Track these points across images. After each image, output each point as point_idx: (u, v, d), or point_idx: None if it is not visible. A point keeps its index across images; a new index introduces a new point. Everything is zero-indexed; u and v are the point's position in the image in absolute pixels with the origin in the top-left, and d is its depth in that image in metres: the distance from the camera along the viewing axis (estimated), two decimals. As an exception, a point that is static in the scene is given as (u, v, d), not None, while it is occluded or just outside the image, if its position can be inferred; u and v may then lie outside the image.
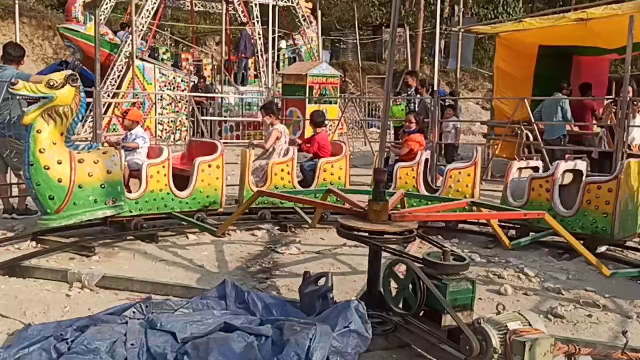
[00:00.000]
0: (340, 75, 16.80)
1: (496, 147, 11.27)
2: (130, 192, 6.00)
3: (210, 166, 6.41)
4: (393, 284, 3.58)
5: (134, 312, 3.60)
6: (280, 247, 5.94)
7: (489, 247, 6.16)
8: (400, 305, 3.54)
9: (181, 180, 6.36)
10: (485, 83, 27.27)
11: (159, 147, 6.79)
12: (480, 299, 4.46)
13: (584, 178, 6.02)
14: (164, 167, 6.10)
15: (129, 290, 4.43)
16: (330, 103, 15.07)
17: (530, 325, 3.06)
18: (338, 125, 13.92)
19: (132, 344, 3.15)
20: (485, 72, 27.57)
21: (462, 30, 15.22)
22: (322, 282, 3.83)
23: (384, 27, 29.79)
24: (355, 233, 3.95)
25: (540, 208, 5.83)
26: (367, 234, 3.91)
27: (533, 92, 11.84)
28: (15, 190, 6.96)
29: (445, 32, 24.03)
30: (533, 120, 9.94)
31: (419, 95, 12.01)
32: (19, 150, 6.11)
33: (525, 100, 10.24)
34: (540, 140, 9.75)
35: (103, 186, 5.51)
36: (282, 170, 6.93)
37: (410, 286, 3.44)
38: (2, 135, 6.43)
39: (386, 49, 28.23)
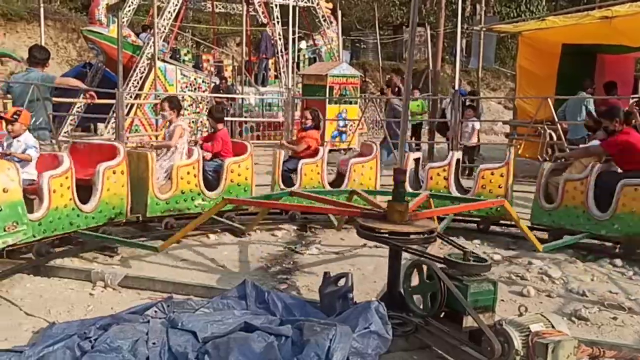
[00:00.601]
0: (360, 75, 16.74)
1: (519, 147, 11.14)
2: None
3: (114, 172, 5.61)
4: (413, 285, 3.56)
5: (155, 311, 3.63)
6: (300, 247, 5.95)
7: (511, 248, 6.10)
8: (421, 306, 3.52)
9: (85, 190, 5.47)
10: (508, 82, 27.00)
11: (52, 154, 5.53)
12: (502, 300, 4.42)
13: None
14: (67, 177, 5.07)
15: (151, 289, 4.47)
16: (350, 103, 15.03)
17: (553, 327, 3.03)
18: (358, 125, 13.89)
19: (154, 343, 3.18)
20: (507, 70, 27.28)
21: (484, 29, 15.08)
22: (342, 282, 3.83)
23: (404, 27, 29.63)
24: (375, 233, 3.94)
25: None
26: (387, 234, 3.89)
27: (556, 91, 11.68)
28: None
29: (467, 31, 23.81)
30: (556, 120, 9.81)
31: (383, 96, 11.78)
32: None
33: (549, 99, 10.11)
34: (563, 139, 9.62)
35: None
36: (188, 173, 6.31)
37: (431, 287, 3.42)
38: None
39: (406, 49, 28.10)
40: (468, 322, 3.23)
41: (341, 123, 14.89)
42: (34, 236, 4.75)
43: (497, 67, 27.89)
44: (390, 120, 12.56)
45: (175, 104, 6.80)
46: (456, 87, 10.56)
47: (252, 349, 3.03)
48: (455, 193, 6.74)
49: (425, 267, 3.50)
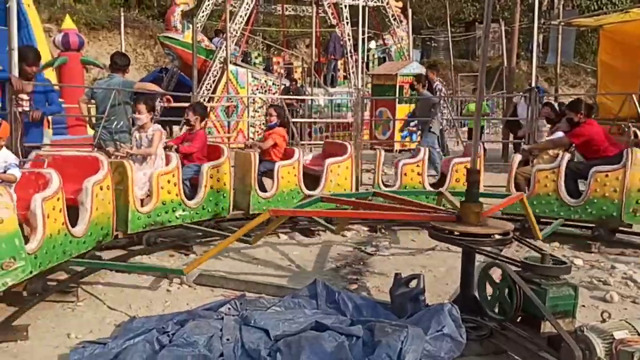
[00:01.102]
0: (431, 74, 16.49)
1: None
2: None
3: (102, 188, 4.80)
4: (488, 288, 3.47)
5: (228, 308, 3.71)
6: (369, 247, 5.93)
7: (592, 251, 5.83)
8: (496, 310, 3.42)
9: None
10: (588, 78, 25.86)
11: (34, 172, 4.50)
12: (583, 305, 4.22)
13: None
14: (58, 199, 4.17)
15: (224, 287, 4.58)
16: (422, 102, 14.84)
17: (638, 334, 2.86)
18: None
19: (228, 339, 3.25)
20: (587, 66, 26.13)
21: (563, 23, 14.49)
22: (413, 283, 3.78)
23: (477, 23, 28.99)
24: (448, 235, 3.86)
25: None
26: (459, 236, 3.81)
27: (641, 86, 11.06)
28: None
29: (544, 25, 22.99)
30: (642, 117, 9.29)
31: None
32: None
33: (633, 96, 9.59)
34: (649, 137, 9.09)
35: None
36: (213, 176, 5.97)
37: (506, 290, 3.31)
38: (111, 139, 6.83)
39: (479, 46, 27.44)
40: (546, 327, 3.11)
41: (411, 123, 14.73)
42: (31, 272, 3.81)
43: (576, 62, 26.74)
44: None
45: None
46: (532, 84, 10.21)
47: (323, 348, 3.04)
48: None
49: (500, 270, 3.40)
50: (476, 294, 3.67)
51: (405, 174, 6.80)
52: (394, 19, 19.45)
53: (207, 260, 4.42)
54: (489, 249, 3.81)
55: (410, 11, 19.06)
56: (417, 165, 6.81)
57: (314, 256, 5.65)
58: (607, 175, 5.96)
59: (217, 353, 3.13)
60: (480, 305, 3.56)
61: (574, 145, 6.63)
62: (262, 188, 6.45)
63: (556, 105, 9.02)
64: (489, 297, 3.48)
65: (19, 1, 6.07)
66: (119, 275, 4.87)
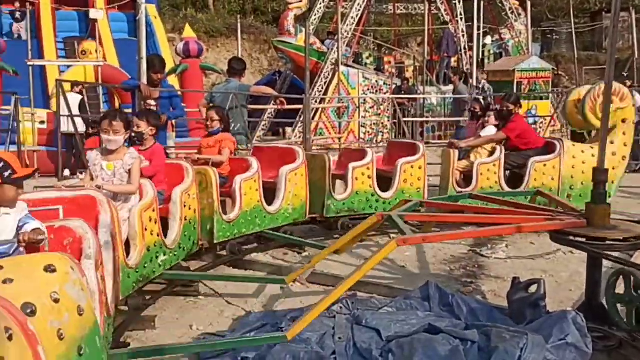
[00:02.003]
0: (553, 69, 15.67)
1: None
2: None
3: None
4: (617, 295, 3.22)
5: (340, 307, 3.74)
6: (485, 250, 5.72)
7: None
8: (626, 320, 3.16)
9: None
10: None
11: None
12: None
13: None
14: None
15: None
16: (541, 98, 14.14)
17: None
18: (550, 122, 12.98)
19: (340, 338, 3.27)
20: None
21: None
22: (533, 289, 3.59)
23: (604, 13, 27.05)
24: (571, 238, 3.63)
25: None
26: (584, 240, 3.56)
27: None
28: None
29: (680, 11, 20.97)
30: None
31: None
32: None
33: None
34: None
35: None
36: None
37: (638, 299, 3.05)
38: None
39: (607, 37, 25.60)
40: (686, 341, 2.83)
41: (530, 120, 14.07)
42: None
43: None
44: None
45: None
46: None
47: (436, 351, 2.97)
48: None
49: (631, 277, 3.14)
50: (603, 302, 3.42)
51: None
52: (512, 12, 18.65)
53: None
54: (617, 254, 3.53)
55: (529, 3, 18.19)
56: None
57: (426, 257, 5.55)
58: (545, 165, 6.43)
59: (329, 351, 3.16)
60: (608, 314, 3.31)
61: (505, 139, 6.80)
62: (224, 209, 5.29)
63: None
64: (618, 306, 3.22)
65: (146, 13, 6.50)
66: (236, 271, 5.08)
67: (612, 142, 6.32)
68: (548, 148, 6.65)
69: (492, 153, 6.72)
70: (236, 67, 7.32)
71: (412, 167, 6.50)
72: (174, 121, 8.27)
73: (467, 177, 6.66)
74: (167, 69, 8.33)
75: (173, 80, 12.36)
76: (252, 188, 5.40)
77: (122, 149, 4.18)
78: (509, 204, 4.81)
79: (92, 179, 4.15)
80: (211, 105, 6.60)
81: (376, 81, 16.95)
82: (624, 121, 6.39)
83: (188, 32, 14.76)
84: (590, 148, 6.49)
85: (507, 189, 6.44)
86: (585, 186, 6.35)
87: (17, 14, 14.71)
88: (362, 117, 16.00)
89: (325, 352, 3.13)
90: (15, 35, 14.72)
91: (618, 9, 3.70)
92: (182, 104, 8.38)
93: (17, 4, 14.66)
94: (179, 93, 8.77)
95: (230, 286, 4.64)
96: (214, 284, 4.69)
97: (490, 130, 7.04)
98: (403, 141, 8.27)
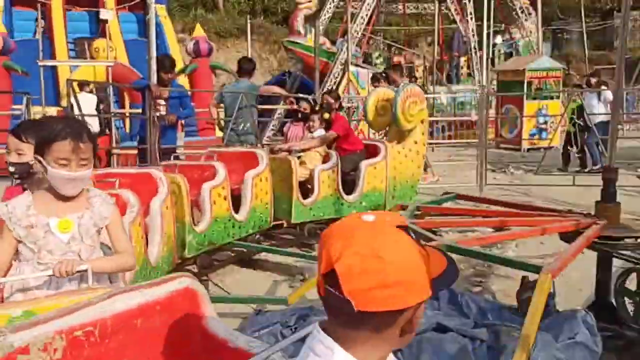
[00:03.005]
0: (563, 68, 15.56)
1: None
2: None
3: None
4: (627, 293, 3.20)
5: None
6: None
7: None
8: (637, 319, 3.15)
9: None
10: None
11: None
12: None
13: None
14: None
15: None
16: (552, 98, 14.05)
17: None
18: (560, 121, 12.89)
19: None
20: None
21: None
22: (542, 288, 3.57)
23: (614, 12, 26.89)
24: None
25: None
26: (595, 239, 3.55)
27: None
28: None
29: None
30: None
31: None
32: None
33: None
34: None
35: None
36: None
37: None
38: (237, 140, 7.17)
39: (617, 36, 25.43)
40: (697, 341, 2.81)
41: (541, 120, 14.00)
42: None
43: None
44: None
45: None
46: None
47: (445, 350, 2.97)
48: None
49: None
50: (613, 301, 3.40)
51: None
52: (522, 12, 18.56)
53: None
54: (628, 252, 3.51)
55: (539, 2, 18.09)
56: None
57: (436, 257, 5.52)
58: (375, 168, 6.31)
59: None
60: (617, 313, 3.29)
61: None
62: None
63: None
64: (628, 305, 3.21)
65: (156, 13, 6.54)
66: (244, 270, 5.10)
67: (415, 142, 6.62)
68: (371, 150, 6.49)
69: (324, 157, 6.25)
70: (246, 67, 7.32)
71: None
72: (183, 120, 8.30)
73: (303, 186, 5.97)
74: (177, 69, 8.37)
75: (183, 80, 12.42)
76: (220, 195, 4.94)
77: (82, 194, 2.34)
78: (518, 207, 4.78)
79: (16, 257, 2.26)
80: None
81: (386, 81, 16.92)
82: (422, 122, 6.64)
83: (198, 31, 14.82)
84: (402, 149, 6.57)
85: (345, 195, 6.09)
86: (403, 186, 6.60)
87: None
88: (372, 117, 15.95)
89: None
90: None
91: (628, 7, 3.68)
92: (192, 104, 8.42)
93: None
94: (189, 93, 8.80)
95: (240, 285, 4.66)
96: (224, 282, 4.71)
97: (320, 132, 6.45)
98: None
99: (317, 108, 6.79)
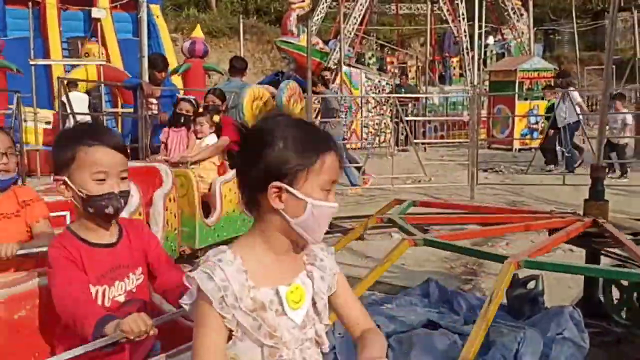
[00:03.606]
0: (555, 69, 15.67)
1: None
2: None
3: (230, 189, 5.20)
4: (615, 291, 3.24)
5: (340, 304, 3.75)
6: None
7: None
8: (624, 316, 3.19)
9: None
10: None
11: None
12: None
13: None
14: (234, 182, 4.32)
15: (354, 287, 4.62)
16: (542, 98, 14.15)
17: None
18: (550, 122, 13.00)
19: (340, 334, 3.28)
20: None
21: None
22: (531, 285, 3.61)
23: (606, 13, 27.08)
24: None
25: None
26: (583, 236, 3.58)
27: None
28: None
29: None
30: None
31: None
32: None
33: None
34: None
35: None
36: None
37: (635, 295, 3.08)
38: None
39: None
40: (683, 336, 2.85)
41: (532, 120, 14.08)
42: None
43: None
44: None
45: None
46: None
47: (435, 345, 3.00)
48: None
49: (629, 273, 3.16)
50: (601, 297, 3.44)
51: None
52: (514, 12, 18.67)
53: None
54: (616, 250, 3.55)
55: (531, 3, 18.21)
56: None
57: (427, 255, 5.57)
58: None
59: (329, 347, 3.18)
60: (605, 310, 3.34)
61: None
62: None
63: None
64: (615, 302, 3.25)
65: (149, 12, 6.54)
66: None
67: None
68: None
69: (219, 168, 5.50)
70: (237, 66, 7.34)
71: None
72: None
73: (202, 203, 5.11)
74: (170, 69, 8.37)
75: (176, 80, 12.40)
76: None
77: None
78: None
79: None
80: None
81: (379, 81, 16.98)
82: None
83: (197, 32, 14.82)
84: None
85: (246, 211, 5.45)
86: None
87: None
88: (365, 117, 16.02)
89: (324, 347, 3.15)
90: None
91: (616, 7, 3.73)
92: (184, 103, 8.41)
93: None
94: (181, 92, 8.80)
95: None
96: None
97: (212, 139, 5.54)
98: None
99: (200, 110, 5.75)
